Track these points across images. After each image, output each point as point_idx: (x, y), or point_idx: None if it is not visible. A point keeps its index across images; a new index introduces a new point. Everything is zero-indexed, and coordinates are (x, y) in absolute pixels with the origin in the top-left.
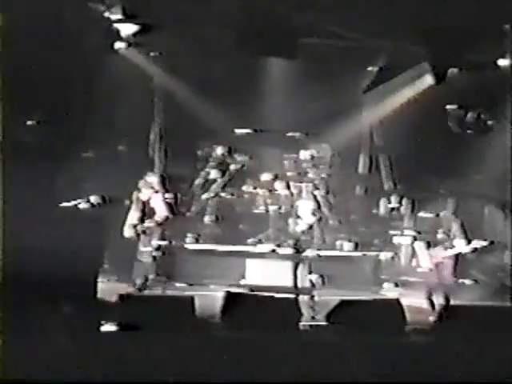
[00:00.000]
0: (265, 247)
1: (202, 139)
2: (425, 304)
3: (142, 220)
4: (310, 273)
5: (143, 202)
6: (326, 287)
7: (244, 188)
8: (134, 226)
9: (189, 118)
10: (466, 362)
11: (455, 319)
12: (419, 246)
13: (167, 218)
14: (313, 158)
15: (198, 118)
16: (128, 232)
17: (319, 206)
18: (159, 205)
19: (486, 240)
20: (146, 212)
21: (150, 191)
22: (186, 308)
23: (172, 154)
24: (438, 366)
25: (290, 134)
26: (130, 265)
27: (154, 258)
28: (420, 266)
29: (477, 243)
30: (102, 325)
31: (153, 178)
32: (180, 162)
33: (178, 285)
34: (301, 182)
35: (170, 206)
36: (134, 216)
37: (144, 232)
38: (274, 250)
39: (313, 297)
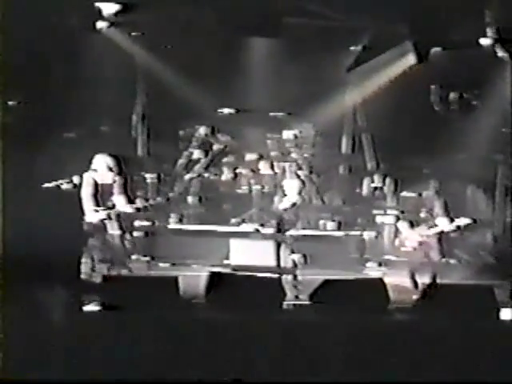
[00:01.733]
0: (248, 227)
1: (184, 119)
2: (408, 283)
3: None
4: (293, 252)
5: (97, 184)
6: (309, 267)
7: (227, 168)
8: (96, 211)
9: (171, 98)
10: (450, 340)
11: (438, 297)
12: (402, 225)
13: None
14: (296, 137)
15: (180, 98)
16: (91, 217)
17: (305, 186)
18: (118, 194)
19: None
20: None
21: (110, 174)
22: (169, 288)
23: (155, 134)
24: (423, 345)
25: (273, 114)
26: (112, 245)
27: (123, 240)
28: (404, 246)
29: (460, 221)
30: (85, 305)
31: (108, 160)
32: (163, 142)
33: (161, 265)
34: (284, 162)
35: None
36: (90, 199)
37: (109, 217)
38: (257, 230)
39: (296, 276)
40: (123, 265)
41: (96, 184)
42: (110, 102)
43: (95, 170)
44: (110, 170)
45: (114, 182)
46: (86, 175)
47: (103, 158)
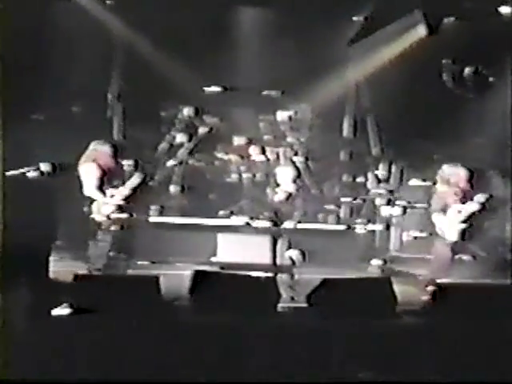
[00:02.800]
0: (238, 220)
1: (166, 99)
2: (417, 282)
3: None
4: (290, 248)
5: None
6: (307, 264)
7: (214, 154)
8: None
9: (151, 76)
10: (463, 346)
11: (450, 299)
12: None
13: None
14: (291, 119)
15: (161, 76)
16: (105, 210)
17: (299, 174)
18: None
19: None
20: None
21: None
22: (149, 289)
23: (133, 115)
24: (432, 350)
25: (265, 93)
26: (86, 240)
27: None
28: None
29: (481, 197)
30: (54, 308)
31: (104, 147)
32: (142, 124)
33: (140, 263)
34: (278, 147)
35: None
36: (97, 191)
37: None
38: (248, 223)
39: (292, 275)
40: (97, 262)
41: (101, 175)
42: (83, 80)
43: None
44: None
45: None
46: (86, 165)
47: (103, 146)
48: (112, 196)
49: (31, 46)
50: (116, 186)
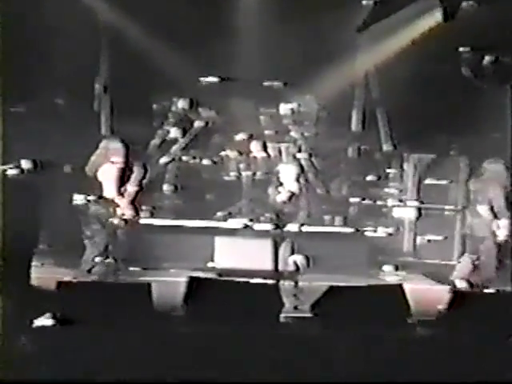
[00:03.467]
0: (237, 222)
1: (158, 90)
2: (434, 290)
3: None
4: (293, 253)
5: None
6: (312, 271)
7: (211, 150)
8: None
9: (142, 65)
10: (483, 360)
11: (469, 308)
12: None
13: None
14: (295, 112)
15: (153, 65)
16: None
17: (303, 172)
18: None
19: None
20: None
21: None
22: (140, 297)
23: (122, 108)
24: (447, 365)
25: (266, 84)
26: (71, 245)
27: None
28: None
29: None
30: (36, 318)
31: (116, 145)
32: (131, 118)
33: (130, 269)
34: (280, 143)
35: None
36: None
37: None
38: (248, 226)
39: (296, 283)
40: (83, 268)
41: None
42: (67, 69)
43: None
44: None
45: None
46: (106, 166)
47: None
48: (122, 195)
49: (13, 34)
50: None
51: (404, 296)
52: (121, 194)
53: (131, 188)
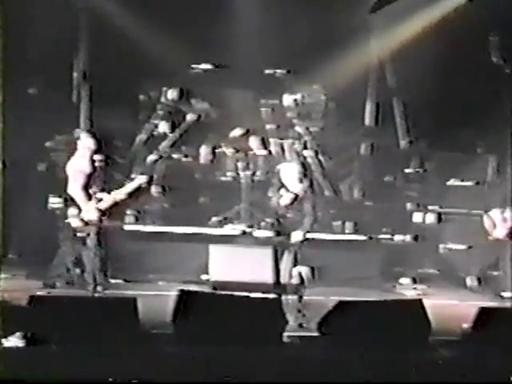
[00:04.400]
0: (234, 228)
1: (145, 79)
2: (458, 305)
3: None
4: (297, 264)
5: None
6: (319, 283)
7: (205, 147)
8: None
9: (126, 50)
10: None
11: (497, 326)
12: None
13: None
14: (300, 104)
15: (139, 50)
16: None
17: (309, 172)
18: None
19: None
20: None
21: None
22: (124, 314)
23: (103, 99)
24: None
25: (268, 72)
26: (45, 254)
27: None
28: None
29: None
30: (6, 338)
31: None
32: (115, 110)
33: (113, 281)
34: (283, 139)
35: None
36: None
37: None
38: (247, 233)
39: (301, 297)
40: (58, 281)
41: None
42: (42, 55)
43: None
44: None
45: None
46: (76, 160)
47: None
48: (99, 200)
49: None
50: (104, 189)
51: (424, 312)
52: (88, 194)
53: (117, 195)
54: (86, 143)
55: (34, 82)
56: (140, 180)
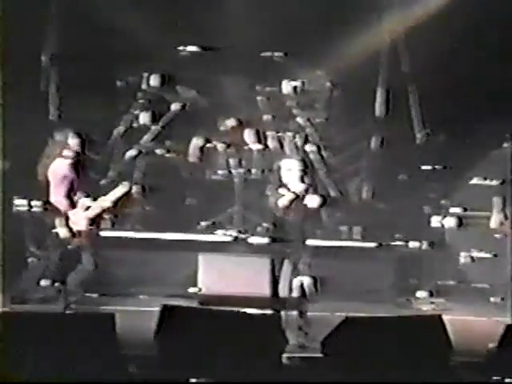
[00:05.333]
0: (227, 234)
1: (124, 63)
2: (481, 322)
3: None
4: (298, 274)
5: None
6: (324, 297)
7: (192, 140)
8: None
9: (102, 30)
10: None
11: None
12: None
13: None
14: (301, 92)
15: (117, 30)
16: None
17: (312, 169)
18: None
19: None
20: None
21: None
22: (102, 332)
23: (76, 86)
24: None
25: (264, 55)
26: (10, 263)
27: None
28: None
29: None
30: None
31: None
32: (89, 98)
33: (87, 295)
34: (282, 131)
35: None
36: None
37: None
38: (240, 239)
39: (302, 313)
40: (26, 295)
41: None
42: (5, 37)
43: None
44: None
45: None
46: (58, 162)
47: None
48: (87, 208)
49: None
50: (89, 195)
51: (444, 330)
52: (70, 199)
53: (104, 203)
54: (69, 143)
55: None
56: (127, 185)
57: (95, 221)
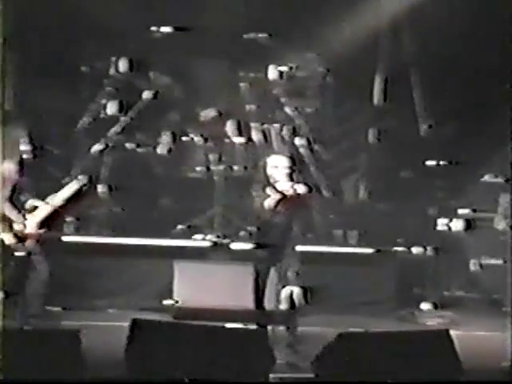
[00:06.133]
0: (205, 239)
1: (89, 45)
2: (493, 338)
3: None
4: (287, 284)
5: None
6: (315, 310)
7: (166, 133)
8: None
9: (64, 7)
10: None
11: None
12: None
13: None
14: (289, 78)
15: (80, 9)
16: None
17: (301, 166)
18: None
19: None
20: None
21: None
22: (66, 350)
23: (35, 72)
24: None
25: (248, 36)
26: None
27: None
28: None
29: None
30: None
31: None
32: (49, 86)
33: (47, 309)
34: (268, 123)
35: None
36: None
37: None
38: (221, 245)
39: (290, 328)
40: None
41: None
42: None
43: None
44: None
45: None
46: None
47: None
48: (34, 209)
49: None
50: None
51: (451, 347)
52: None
53: (55, 201)
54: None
55: None
56: (80, 181)
57: (47, 223)
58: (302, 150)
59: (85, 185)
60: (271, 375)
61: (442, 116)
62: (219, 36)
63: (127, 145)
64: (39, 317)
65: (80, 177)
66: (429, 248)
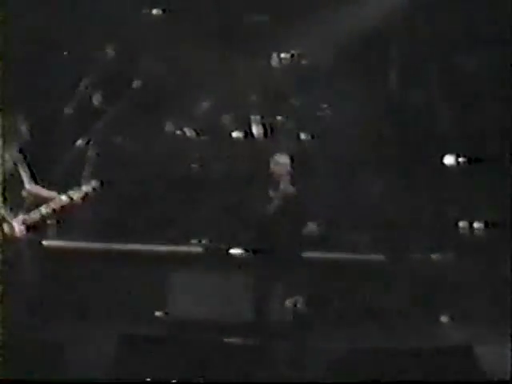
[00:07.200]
0: (201, 245)
1: (74, 30)
2: None
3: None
4: (290, 294)
5: None
6: (322, 322)
7: (157, 126)
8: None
9: None
10: None
11: None
12: None
13: None
14: (295, 66)
15: None
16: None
17: (306, 163)
18: None
19: None
20: None
21: None
22: (48, 365)
23: (14, 59)
24: None
25: (248, 19)
26: None
27: None
28: None
29: None
30: None
31: None
32: (29, 73)
33: (28, 323)
34: (271, 116)
35: None
36: None
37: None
38: (216, 251)
39: (296, 342)
40: None
41: None
42: None
43: None
44: None
45: None
46: None
47: None
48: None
49: None
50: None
51: (474, 364)
52: None
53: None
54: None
55: None
56: (90, 185)
57: (33, 226)
58: (307, 146)
59: (94, 189)
60: None
61: (465, 108)
62: (215, 19)
63: (115, 139)
64: (22, 329)
65: (93, 182)
66: (449, 253)
